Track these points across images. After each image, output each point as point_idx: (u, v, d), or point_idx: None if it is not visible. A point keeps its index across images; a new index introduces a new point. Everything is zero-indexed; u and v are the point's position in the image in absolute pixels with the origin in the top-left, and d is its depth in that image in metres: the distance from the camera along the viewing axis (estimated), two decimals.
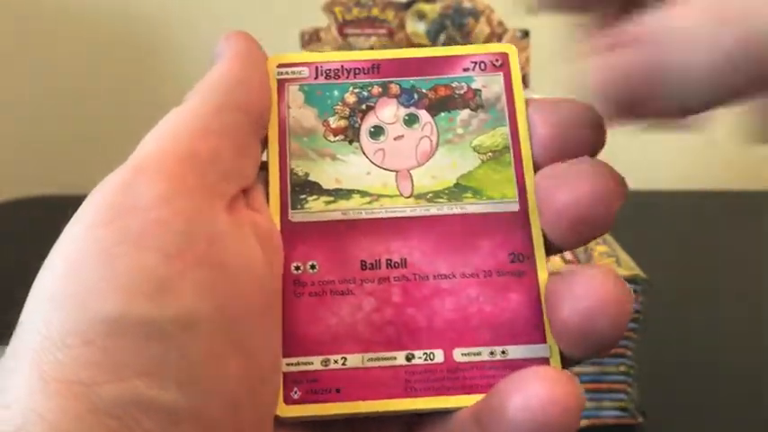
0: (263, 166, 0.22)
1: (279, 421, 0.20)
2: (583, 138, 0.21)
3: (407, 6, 0.53)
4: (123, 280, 0.17)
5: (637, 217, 0.60)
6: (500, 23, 0.52)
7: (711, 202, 0.69)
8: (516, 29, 0.52)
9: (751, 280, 0.57)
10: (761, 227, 0.66)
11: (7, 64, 0.72)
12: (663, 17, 0.18)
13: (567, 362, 0.21)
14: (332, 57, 0.23)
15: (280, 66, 0.23)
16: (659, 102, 0.18)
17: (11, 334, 0.17)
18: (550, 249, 0.21)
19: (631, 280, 0.39)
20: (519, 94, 0.23)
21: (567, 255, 0.41)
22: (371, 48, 0.52)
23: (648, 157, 0.70)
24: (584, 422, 0.40)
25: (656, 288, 0.40)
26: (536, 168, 0.22)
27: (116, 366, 0.16)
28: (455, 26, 0.52)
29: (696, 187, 0.72)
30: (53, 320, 0.16)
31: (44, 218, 0.66)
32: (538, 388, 0.18)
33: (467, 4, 0.52)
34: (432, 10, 0.53)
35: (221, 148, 0.20)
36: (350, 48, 0.52)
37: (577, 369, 0.40)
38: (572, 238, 0.21)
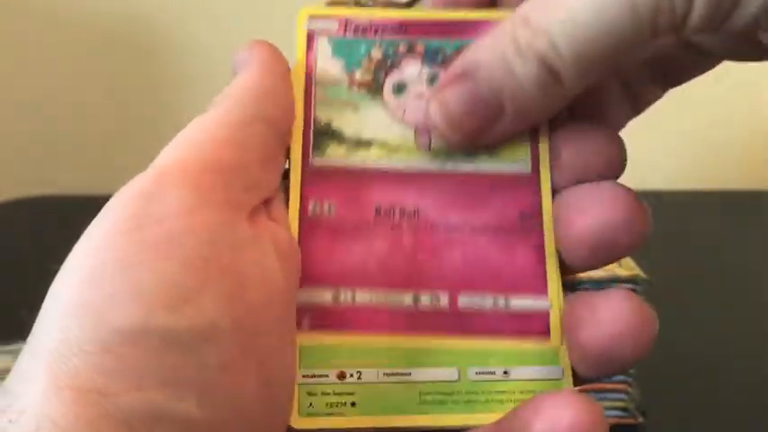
0: (285, 175, 0.22)
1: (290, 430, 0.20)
2: (604, 163, 0.21)
3: (408, 6, 0.53)
4: (143, 290, 0.17)
5: None
6: None
7: (711, 202, 0.69)
8: None
9: (751, 280, 0.57)
10: (761, 227, 0.66)
11: (7, 64, 0.72)
12: (474, 50, 0.21)
13: (578, 379, 0.20)
14: (362, 12, 0.23)
15: (311, 17, 0.23)
16: (496, 120, 0.21)
17: (14, 332, 0.17)
18: (567, 271, 0.21)
19: (631, 280, 0.39)
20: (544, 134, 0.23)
21: None
22: None
23: (648, 158, 0.70)
24: None
25: (656, 288, 0.40)
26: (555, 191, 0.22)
27: (133, 376, 0.16)
28: None
29: (696, 187, 0.72)
30: (70, 327, 0.16)
31: (44, 218, 0.66)
32: (563, 412, 0.17)
33: None
34: None
35: (246, 159, 0.20)
36: None
37: None
38: (589, 261, 0.21)
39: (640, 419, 0.40)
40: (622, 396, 0.40)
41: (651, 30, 0.19)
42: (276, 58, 0.22)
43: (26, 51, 0.72)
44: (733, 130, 0.74)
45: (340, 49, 0.23)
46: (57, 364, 0.16)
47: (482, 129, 0.21)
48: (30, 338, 0.17)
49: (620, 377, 0.40)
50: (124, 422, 0.16)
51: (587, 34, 0.19)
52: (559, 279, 0.21)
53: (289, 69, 0.22)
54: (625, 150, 0.22)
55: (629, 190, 0.20)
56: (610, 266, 0.40)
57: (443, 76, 0.21)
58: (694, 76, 0.23)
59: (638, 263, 0.41)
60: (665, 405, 0.41)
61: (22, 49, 0.72)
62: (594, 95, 0.23)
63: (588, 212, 0.20)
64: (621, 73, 0.23)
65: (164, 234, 0.17)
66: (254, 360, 0.18)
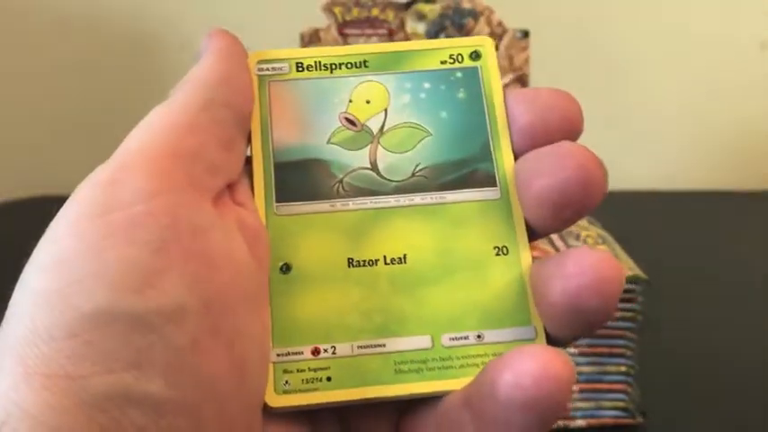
0: (249, 161, 0.22)
1: (268, 412, 0.20)
2: (562, 125, 0.22)
3: (407, 6, 0.53)
4: (109, 274, 0.17)
5: (636, 217, 0.60)
6: (499, 24, 0.52)
7: (710, 202, 0.69)
8: (516, 29, 0.52)
9: (751, 280, 0.57)
10: (761, 227, 0.66)
11: (8, 64, 0.72)
12: None
13: (553, 344, 0.21)
14: (311, 53, 0.24)
15: (260, 62, 0.23)
16: None
17: None
18: (533, 234, 0.22)
19: (631, 280, 0.39)
20: (497, 85, 0.23)
21: None
22: None
23: (648, 158, 0.70)
24: (583, 422, 0.40)
25: (656, 288, 0.40)
26: (517, 157, 0.22)
27: (102, 359, 0.16)
28: (455, 26, 0.52)
29: (695, 187, 0.72)
30: (38, 315, 0.16)
31: (44, 218, 0.66)
32: (528, 364, 0.17)
33: (466, 5, 0.52)
34: (431, 10, 0.53)
35: (206, 143, 0.20)
36: None
37: (577, 369, 0.40)
38: (552, 221, 0.21)
39: (640, 419, 0.40)
40: (622, 396, 0.40)
41: None
42: (232, 45, 0.22)
43: (27, 52, 0.72)
44: (733, 130, 0.74)
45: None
46: (25, 351, 0.16)
47: None
48: (1, 329, 0.17)
49: (621, 377, 0.40)
50: (95, 405, 0.16)
51: None
52: (527, 243, 0.22)
53: (246, 54, 0.23)
54: (580, 110, 0.22)
55: (584, 148, 0.20)
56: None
57: None
58: None
59: (638, 263, 0.41)
60: (665, 405, 0.41)
61: (23, 49, 0.72)
62: None
63: (546, 172, 0.20)
64: None
65: (125, 219, 0.18)
66: (224, 339, 0.18)
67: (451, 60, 0.24)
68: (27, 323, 0.16)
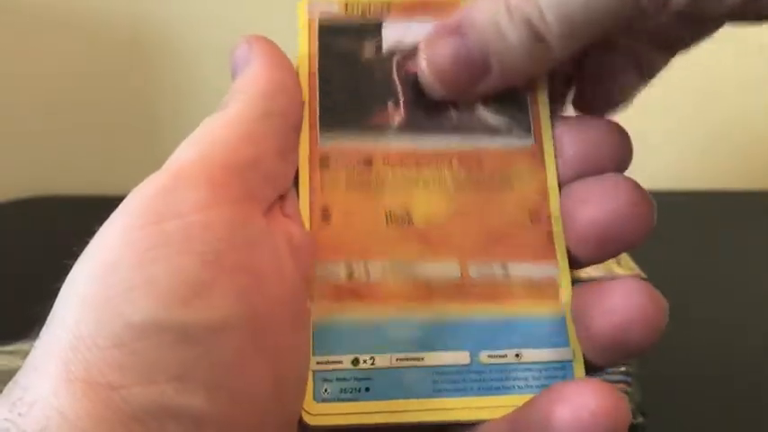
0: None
1: (304, 428, 0.20)
2: (611, 157, 0.21)
3: None
4: (158, 284, 0.17)
5: None
6: None
7: (711, 202, 0.69)
8: None
9: (751, 280, 0.56)
10: (761, 227, 0.66)
11: (8, 64, 0.72)
12: (470, 9, 0.21)
13: (590, 368, 0.21)
14: None
15: (310, 3, 0.23)
16: (482, 77, 0.21)
17: (14, 333, 0.17)
18: (573, 264, 0.21)
19: None
20: (542, 97, 0.23)
21: None
22: None
23: (649, 157, 0.70)
24: None
25: (656, 288, 0.40)
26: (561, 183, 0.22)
27: (145, 370, 0.16)
28: None
29: (696, 187, 0.72)
30: (84, 321, 0.16)
31: (44, 218, 0.66)
32: (586, 399, 0.17)
33: None
34: None
35: (264, 153, 0.20)
36: None
37: None
38: (594, 253, 0.21)
39: (640, 419, 0.40)
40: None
41: (634, 5, 0.19)
42: (278, 52, 0.22)
43: (27, 52, 0.72)
44: (733, 130, 0.74)
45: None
46: (69, 357, 0.16)
47: (468, 84, 0.21)
48: (43, 332, 0.17)
49: (621, 377, 0.40)
50: (134, 417, 0.16)
51: (573, 3, 0.20)
52: (569, 275, 0.21)
53: (290, 61, 0.22)
54: (630, 141, 0.22)
55: (633, 181, 0.20)
56: (609, 266, 0.40)
57: (436, 28, 0.22)
58: (697, 41, 0.23)
59: (638, 263, 0.41)
60: (665, 405, 0.41)
61: (23, 49, 0.72)
62: (602, 62, 0.23)
63: (593, 205, 0.20)
64: (624, 40, 0.23)
65: (180, 229, 0.17)
66: (267, 356, 0.18)
67: None
68: (72, 329, 0.16)
